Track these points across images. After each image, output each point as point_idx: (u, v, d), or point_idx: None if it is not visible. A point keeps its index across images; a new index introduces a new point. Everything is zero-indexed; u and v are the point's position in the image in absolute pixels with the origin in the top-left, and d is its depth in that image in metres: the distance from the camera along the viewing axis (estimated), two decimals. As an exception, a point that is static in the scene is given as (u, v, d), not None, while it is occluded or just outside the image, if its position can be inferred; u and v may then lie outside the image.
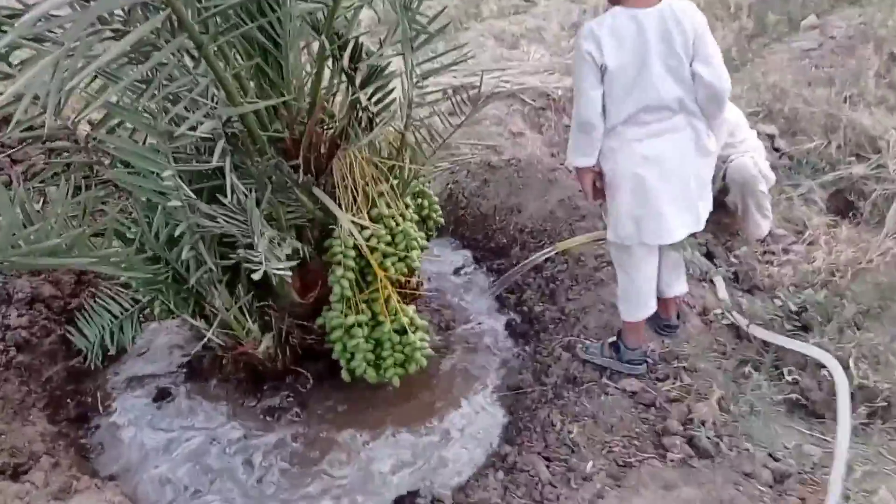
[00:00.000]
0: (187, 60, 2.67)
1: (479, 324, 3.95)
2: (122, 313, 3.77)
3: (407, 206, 3.57)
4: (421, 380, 3.62)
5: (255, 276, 2.70)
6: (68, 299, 4.06)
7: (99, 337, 3.74)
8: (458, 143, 3.68)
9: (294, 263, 2.88)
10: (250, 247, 2.81)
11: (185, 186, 2.78)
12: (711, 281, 3.75)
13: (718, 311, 3.53)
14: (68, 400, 3.74)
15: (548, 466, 2.89)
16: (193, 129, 2.66)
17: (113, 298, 3.80)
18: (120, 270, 2.96)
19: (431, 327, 3.88)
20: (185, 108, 2.74)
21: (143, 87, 2.72)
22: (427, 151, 3.68)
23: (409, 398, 3.55)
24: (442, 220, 3.93)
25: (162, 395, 3.76)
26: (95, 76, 2.63)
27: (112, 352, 3.74)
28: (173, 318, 3.73)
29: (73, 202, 2.80)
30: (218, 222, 2.81)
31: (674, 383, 3.09)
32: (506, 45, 7.45)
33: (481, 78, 3.59)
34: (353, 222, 3.27)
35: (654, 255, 3.02)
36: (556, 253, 4.04)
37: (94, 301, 3.84)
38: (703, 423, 2.86)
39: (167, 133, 2.70)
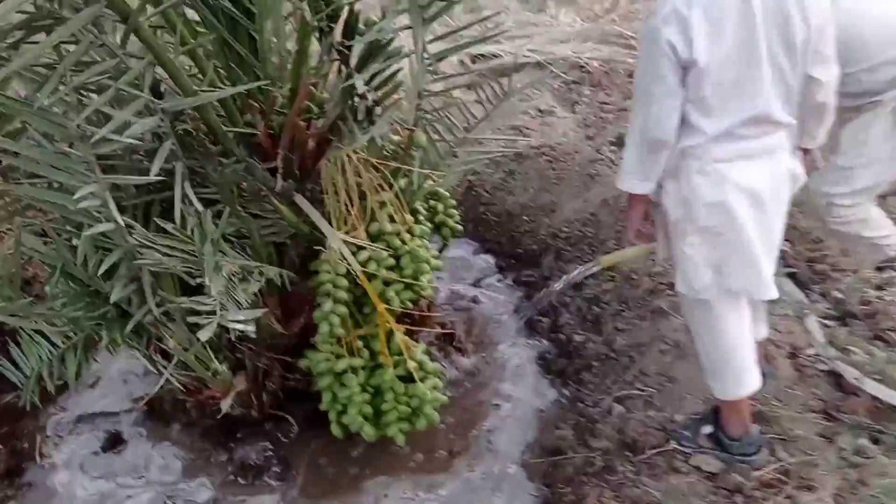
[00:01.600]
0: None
1: (504, 357, 3.21)
2: (63, 342, 3.04)
3: (416, 216, 2.81)
4: (430, 435, 2.90)
5: (203, 335, 1.96)
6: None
7: (36, 370, 3.02)
8: (480, 137, 2.89)
9: (258, 314, 2.13)
10: (200, 290, 2.08)
11: (111, 204, 2.03)
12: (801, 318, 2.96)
13: (812, 351, 2.77)
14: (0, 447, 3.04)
15: (599, 576, 2.17)
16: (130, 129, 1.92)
17: (53, 324, 3.08)
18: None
19: (443, 358, 3.15)
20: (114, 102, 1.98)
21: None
22: (442, 148, 2.91)
23: (416, 459, 2.82)
24: (460, 228, 3.17)
25: (112, 442, 3.05)
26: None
27: (51, 389, 3.03)
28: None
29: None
30: (157, 254, 2.06)
31: (767, 461, 2.34)
32: (530, 7, 6.60)
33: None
34: (345, 242, 2.51)
35: (741, 307, 2.26)
36: (601, 270, 3.28)
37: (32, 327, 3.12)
38: (812, 526, 2.13)
39: (82, 136, 1.95)
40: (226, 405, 2.73)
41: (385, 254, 2.59)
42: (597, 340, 3.06)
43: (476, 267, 3.76)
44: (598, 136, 4.33)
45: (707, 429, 2.42)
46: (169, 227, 2.07)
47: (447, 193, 3.16)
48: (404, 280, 2.65)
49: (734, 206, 2.04)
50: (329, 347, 2.65)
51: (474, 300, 3.51)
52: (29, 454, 3.06)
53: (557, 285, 3.22)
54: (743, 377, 2.30)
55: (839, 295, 2.90)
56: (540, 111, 4.97)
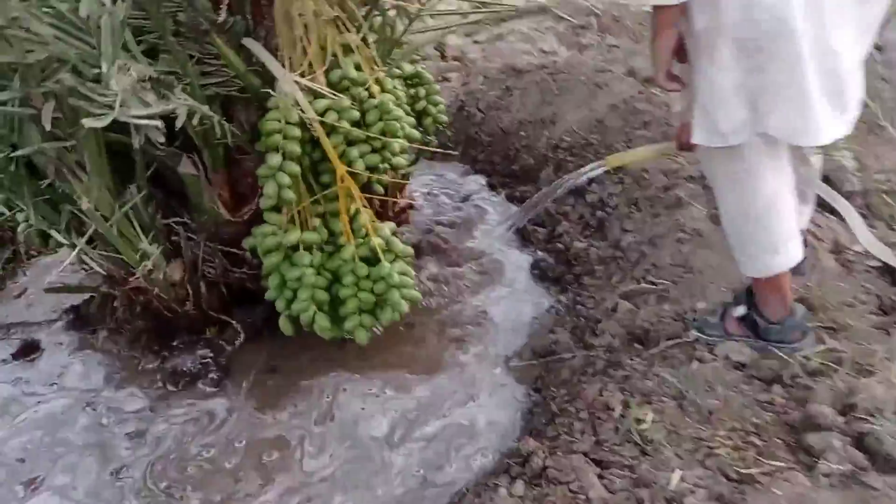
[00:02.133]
0: None
1: (493, 264, 2.74)
2: (-22, 234, 2.60)
3: (391, 85, 2.36)
4: (401, 336, 2.43)
5: (95, 123, 1.50)
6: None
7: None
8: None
9: (161, 110, 1.65)
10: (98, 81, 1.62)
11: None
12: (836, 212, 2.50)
13: (859, 248, 2.30)
14: None
15: (601, 476, 1.69)
16: None
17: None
18: None
19: (423, 265, 2.69)
20: None
21: None
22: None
23: (382, 363, 2.35)
24: (444, 118, 2.72)
25: (26, 351, 2.58)
26: None
27: (-42, 286, 2.58)
28: (48, 247, 2.57)
29: None
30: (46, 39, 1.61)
31: (814, 349, 1.86)
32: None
33: None
34: (299, 85, 2.07)
35: (780, 156, 1.77)
36: (607, 170, 2.82)
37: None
38: (878, 410, 1.64)
39: None
40: (160, 280, 2.25)
41: (347, 102, 2.15)
42: (601, 245, 2.60)
43: (464, 188, 3.30)
44: (606, 63, 3.90)
45: (739, 310, 1.93)
46: (64, 8, 1.63)
47: (430, 77, 2.73)
48: (371, 141, 2.20)
49: (778, 17, 1.57)
50: (276, 218, 2.20)
51: (458, 211, 3.05)
52: (-70, 361, 2.60)
53: (553, 189, 2.76)
54: (781, 245, 1.80)
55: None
56: (543, 51, 4.56)
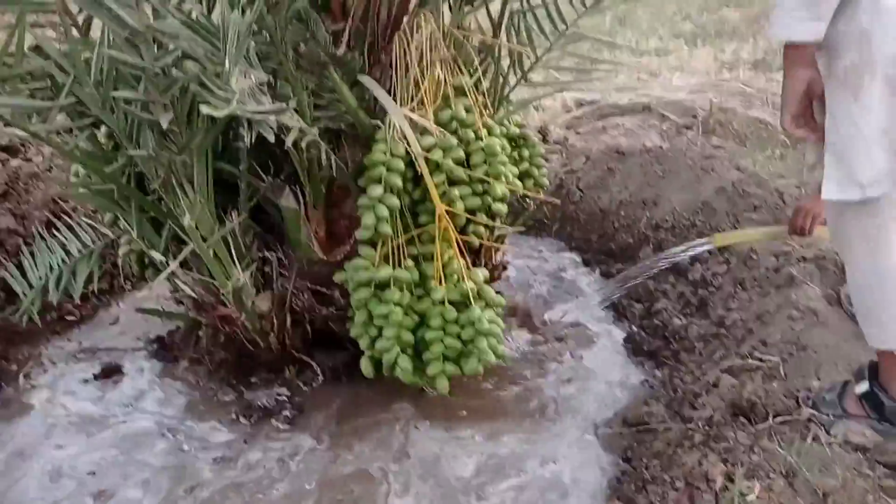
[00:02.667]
0: None
1: (583, 334, 2.62)
2: (80, 251, 2.65)
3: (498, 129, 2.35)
4: (482, 393, 2.31)
5: (212, 111, 1.51)
6: (28, 239, 2.97)
7: (42, 281, 2.62)
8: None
9: (276, 108, 1.64)
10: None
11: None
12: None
13: None
14: (-17, 361, 2.61)
15: (698, 550, 1.51)
16: None
17: (73, 231, 2.71)
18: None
19: (510, 329, 2.59)
20: None
21: None
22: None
23: (461, 416, 2.23)
24: (546, 182, 2.66)
25: (108, 373, 2.58)
26: None
27: (55, 300, 2.61)
28: (147, 270, 2.59)
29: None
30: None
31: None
32: (644, 72, 6.30)
33: None
34: (409, 120, 2.08)
35: None
36: (711, 250, 2.70)
37: (49, 233, 2.76)
38: None
39: None
40: (247, 313, 2.23)
41: (454, 142, 2.13)
42: (701, 323, 2.45)
43: (558, 262, 3.22)
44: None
45: (862, 387, 1.74)
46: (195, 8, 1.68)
47: (535, 139, 2.70)
48: (473, 184, 2.17)
49: None
50: (370, 253, 2.16)
51: (550, 284, 2.96)
52: (14, 375, 2.62)
53: (653, 263, 2.65)
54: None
55: None
56: (646, 147, 4.53)
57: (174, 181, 2.08)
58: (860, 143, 1.54)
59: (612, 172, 3.48)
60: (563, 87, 4.87)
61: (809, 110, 1.62)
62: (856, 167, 1.56)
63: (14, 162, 3.33)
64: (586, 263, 3.18)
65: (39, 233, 2.76)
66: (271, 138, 1.66)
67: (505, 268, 2.70)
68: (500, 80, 2.39)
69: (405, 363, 2.11)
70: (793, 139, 3.95)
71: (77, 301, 2.85)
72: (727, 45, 6.97)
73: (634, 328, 2.62)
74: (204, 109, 1.49)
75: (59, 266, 2.64)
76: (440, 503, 1.89)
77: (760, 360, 2.08)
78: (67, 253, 2.66)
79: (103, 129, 2.30)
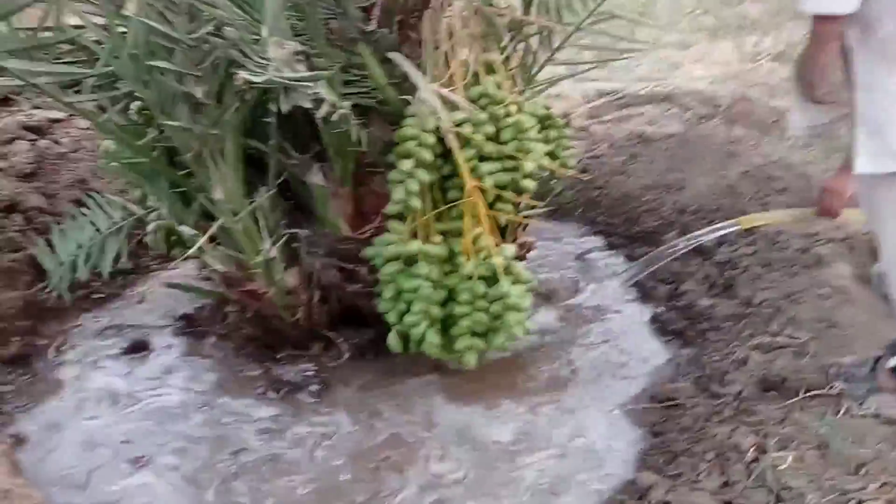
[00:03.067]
0: None
1: (608, 315, 2.62)
2: (109, 228, 2.68)
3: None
4: (509, 370, 2.32)
5: (251, 77, 1.52)
6: (57, 217, 3.00)
7: (72, 258, 2.66)
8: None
9: (312, 75, 1.65)
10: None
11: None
12: None
13: None
14: (15, 337, 2.63)
15: (730, 519, 1.51)
16: None
17: (102, 208, 2.74)
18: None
19: (536, 308, 2.58)
20: None
21: None
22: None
23: (487, 392, 2.23)
24: (572, 163, 2.66)
25: (136, 348, 2.60)
26: None
27: (83, 277, 2.64)
28: (175, 249, 2.62)
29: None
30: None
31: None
32: (665, 62, 6.27)
33: None
34: (439, 96, 2.08)
35: None
36: (739, 232, 2.69)
37: (80, 211, 2.79)
38: None
39: None
40: (277, 289, 2.24)
41: (484, 116, 2.14)
42: (729, 303, 2.44)
43: (582, 246, 3.22)
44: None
45: (893, 361, 1.74)
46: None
47: (562, 121, 2.70)
48: (503, 159, 2.17)
49: None
50: (400, 227, 2.18)
51: (574, 266, 2.97)
52: (43, 349, 2.65)
53: (679, 245, 2.64)
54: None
55: None
56: (669, 133, 4.52)
57: (206, 155, 2.09)
58: (892, 118, 1.54)
59: (636, 158, 3.47)
60: (588, 69, 4.89)
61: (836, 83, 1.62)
62: (891, 139, 1.55)
63: (42, 142, 3.36)
64: (611, 247, 3.17)
65: (69, 211, 2.79)
66: (308, 106, 1.67)
67: (531, 248, 2.70)
68: (530, 59, 2.38)
69: (433, 338, 2.12)
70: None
71: (105, 278, 2.88)
72: (748, 38, 6.93)
73: (660, 309, 2.62)
74: (242, 75, 1.50)
75: (88, 243, 2.68)
76: (479, 468, 1.90)
77: (790, 337, 2.08)
78: (97, 230, 2.70)
79: (134, 105, 2.33)
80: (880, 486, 1.51)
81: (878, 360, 1.80)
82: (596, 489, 1.84)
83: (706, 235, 2.61)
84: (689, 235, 2.65)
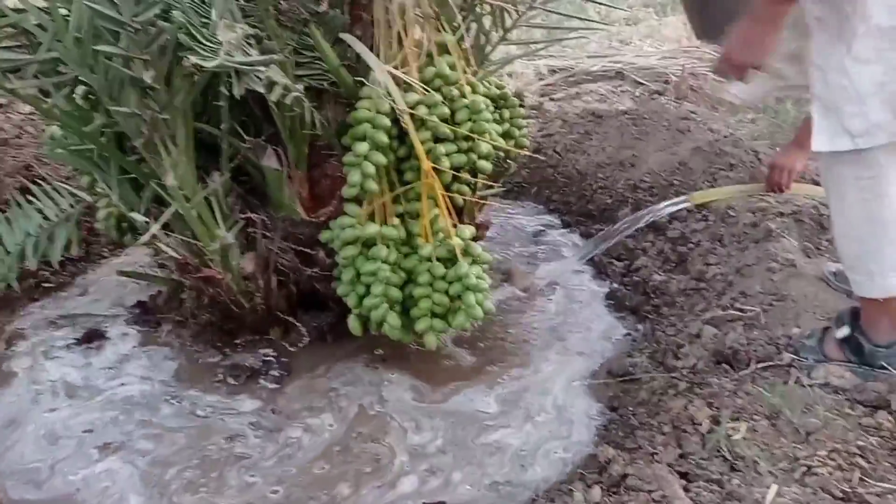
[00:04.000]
0: None
1: (565, 292, 2.65)
2: (57, 216, 2.61)
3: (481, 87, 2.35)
4: (469, 346, 2.34)
5: (201, 62, 1.49)
6: (2, 206, 2.92)
7: (20, 247, 2.58)
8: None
9: (264, 59, 1.64)
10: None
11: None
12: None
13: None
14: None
15: (686, 489, 1.55)
16: None
17: (49, 195, 2.66)
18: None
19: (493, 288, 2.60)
20: None
21: None
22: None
23: (448, 374, 2.25)
24: (527, 142, 2.67)
25: (90, 337, 2.56)
26: None
27: (32, 266, 2.58)
28: (126, 236, 2.57)
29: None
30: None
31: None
32: (615, 38, 6.31)
33: None
34: (393, 77, 2.07)
35: None
36: (689, 209, 2.75)
37: (25, 199, 2.71)
38: None
39: None
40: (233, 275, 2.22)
41: (439, 98, 2.14)
42: (681, 278, 2.50)
43: (537, 224, 3.25)
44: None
45: (842, 332, 1.80)
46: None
47: (516, 101, 2.70)
48: (458, 141, 2.17)
49: None
50: (356, 210, 2.17)
51: (530, 245, 2.99)
52: (-7, 344, 2.58)
53: (632, 221, 2.69)
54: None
55: None
56: (621, 110, 4.57)
57: (157, 140, 2.05)
58: (852, 94, 1.57)
59: (589, 135, 3.51)
60: (541, 48, 4.89)
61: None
62: (846, 119, 1.59)
63: (-17, 129, 3.26)
64: (566, 225, 3.21)
65: (14, 199, 2.71)
66: (261, 90, 1.65)
67: (488, 228, 2.71)
68: (482, 38, 2.38)
69: (393, 320, 2.13)
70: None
71: (55, 268, 2.82)
72: (696, 13, 7.00)
73: (616, 285, 2.66)
74: (192, 59, 1.47)
75: (36, 232, 2.61)
76: (453, 440, 1.96)
77: (741, 310, 2.13)
78: (45, 218, 2.63)
79: (80, 90, 2.27)
80: (829, 453, 1.57)
81: (825, 331, 1.86)
82: (560, 458, 1.88)
83: (659, 211, 2.66)
84: (643, 212, 2.70)
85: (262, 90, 1.67)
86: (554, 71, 5.46)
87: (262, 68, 1.60)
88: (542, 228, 3.17)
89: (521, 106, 2.64)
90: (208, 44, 1.54)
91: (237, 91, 1.61)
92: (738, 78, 1.79)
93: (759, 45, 1.70)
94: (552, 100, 4.74)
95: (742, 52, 1.72)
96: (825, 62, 1.60)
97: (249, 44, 1.68)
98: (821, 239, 2.37)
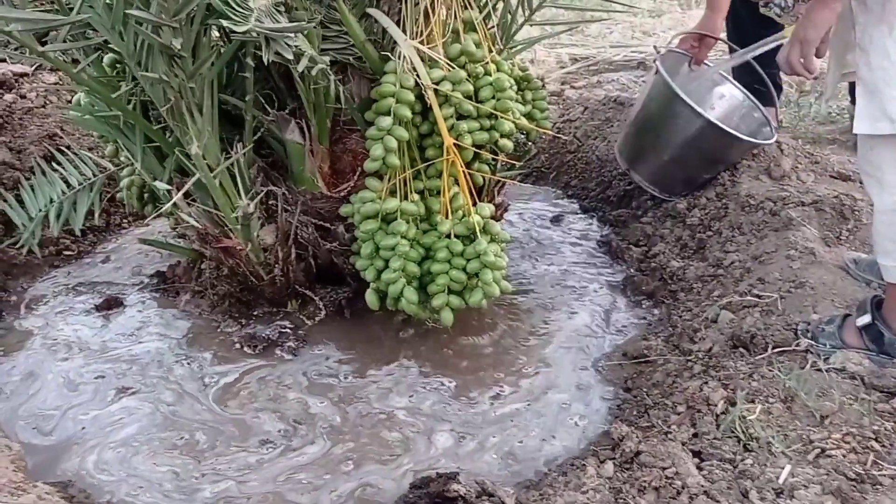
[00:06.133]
0: None
1: (581, 276, 2.66)
2: (80, 184, 2.64)
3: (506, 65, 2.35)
4: (484, 328, 2.35)
5: (232, 26, 1.51)
6: (26, 173, 2.95)
7: (42, 213, 2.61)
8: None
9: (301, 27, 1.65)
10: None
11: None
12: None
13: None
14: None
15: (699, 468, 1.56)
16: None
17: (73, 163, 2.69)
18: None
19: (510, 268, 2.61)
20: None
21: None
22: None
23: (464, 351, 2.26)
24: (548, 124, 2.67)
25: (109, 304, 2.59)
26: None
27: (55, 233, 2.61)
28: (147, 206, 2.60)
29: None
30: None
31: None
32: (638, 29, 6.28)
33: None
34: (418, 52, 2.08)
35: None
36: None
37: (50, 166, 2.74)
38: None
39: None
40: (254, 246, 2.25)
41: (463, 74, 2.14)
42: (700, 265, 2.49)
43: (556, 209, 3.25)
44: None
45: (863, 320, 1.79)
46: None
47: (538, 83, 2.70)
48: (481, 118, 2.17)
49: None
50: (377, 185, 2.18)
51: (548, 229, 3.00)
52: (14, 307, 2.62)
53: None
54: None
55: None
56: (640, 101, 4.55)
57: (183, 109, 2.06)
58: (893, 75, 1.56)
59: (610, 122, 3.50)
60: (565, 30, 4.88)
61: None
62: (886, 102, 1.58)
63: (8, 97, 3.29)
64: (584, 210, 3.21)
65: (39, 165, 2.74)
66: (289, 57, 1.66)
67: (506, 209, 2.72)
68: (508, 17, 2.38)
69: (410, 295, 2.14)
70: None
71: (76, 236, 2.86)
72: (721, 6, 6.95)
73: (633, 270, 2.66)
74: (226, 24, 1.49)
75: (59, 198, 2.64)
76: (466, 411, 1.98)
77: (758, 296, 2.12)
78: (68, 185, 2.65)
79: (107, 57, 2.29)
80: (843, 436, 1.57)
81: (845, 317, 1.86)
82: (573, 435, 1.89)
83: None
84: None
85: (290, 58, 1.67)
86: (576, 59, 5.45)
87: (290, 35, 1.61)
88: (560, 212, 3.17)
89: (542, 89, 2.64)
90: (240, 9, 1.55)
91: (267, 57, 1.62)
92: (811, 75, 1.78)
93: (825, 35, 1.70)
94: (573, 87, 4.73)
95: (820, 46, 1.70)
96: (868, 44, 1.59)
97: (279, 11, 1.69)
98: (841, 229, 2.36)
